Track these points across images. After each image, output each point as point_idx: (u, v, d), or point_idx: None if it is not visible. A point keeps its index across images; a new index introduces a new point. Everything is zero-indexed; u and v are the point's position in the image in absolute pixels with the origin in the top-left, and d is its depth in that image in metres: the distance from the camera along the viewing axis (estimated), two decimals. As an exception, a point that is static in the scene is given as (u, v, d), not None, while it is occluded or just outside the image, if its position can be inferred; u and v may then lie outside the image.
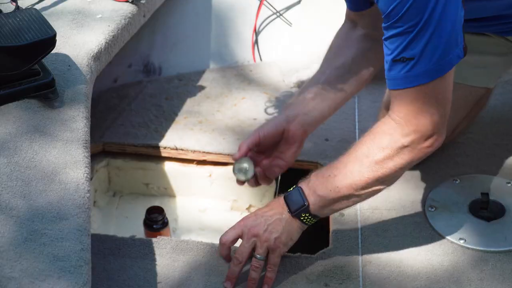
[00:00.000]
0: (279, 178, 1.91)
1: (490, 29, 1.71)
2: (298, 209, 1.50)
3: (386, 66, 1.41)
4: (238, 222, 1.55)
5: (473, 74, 1.79)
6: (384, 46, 1.40)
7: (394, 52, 1.37)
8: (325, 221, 1.78)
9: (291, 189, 1.53)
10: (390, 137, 1.43)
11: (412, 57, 1.35)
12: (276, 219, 1.51)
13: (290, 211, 1.51)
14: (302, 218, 1.51)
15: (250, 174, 1.64)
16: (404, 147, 1.42)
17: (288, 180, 1.66)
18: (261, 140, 1.64)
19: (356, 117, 2.08)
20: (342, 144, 1.89)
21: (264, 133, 1.64)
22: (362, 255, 1.61)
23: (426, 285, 1.54)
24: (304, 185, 1.51)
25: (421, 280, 1.55)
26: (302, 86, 1.73)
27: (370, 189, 1.47)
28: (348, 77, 1.66)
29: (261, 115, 2.10)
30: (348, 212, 1.72)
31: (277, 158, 1.66)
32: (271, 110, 2.12)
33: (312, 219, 1.52)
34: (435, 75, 1.37)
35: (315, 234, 1.83)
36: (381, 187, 1.48)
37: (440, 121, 1.41)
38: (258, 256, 1.52)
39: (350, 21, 1.71)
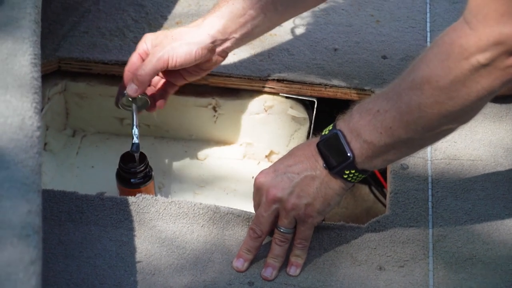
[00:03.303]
0: (314, 112, 1.91)
1: None
2: (339, 164, 1.49)
3: None
4: (254, 183, 1.54)
5: None
6: None
7: None
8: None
9: (326, 131, 1.51)
10: (461, 51, 1.39)
11: None
12: (306, 177, 1.51)
13: (327, 166, 1.50)
14: (345, 176, 1.50)
15: None
16: (481, 66, 1.38)
17: (326, 117, 1.66)
18: None
19: (428, 24, 2.07)
20: (406, 64, 1.87)
21: None
22: (433, 226, 1.61)
23: (527, 271, 1.55)
24: (344, 125, 1.50)
25: (519, 264, 1.56)
26: None
27: (437, 130, 1.46)
28: None
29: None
30: (414, 162, 1.72)
31: None
32: None
33: (359, 175, 1.51)
34: None
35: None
36: (453, 126, 1.46)
37: None
38: (283, 228, 1.52)
39: None
